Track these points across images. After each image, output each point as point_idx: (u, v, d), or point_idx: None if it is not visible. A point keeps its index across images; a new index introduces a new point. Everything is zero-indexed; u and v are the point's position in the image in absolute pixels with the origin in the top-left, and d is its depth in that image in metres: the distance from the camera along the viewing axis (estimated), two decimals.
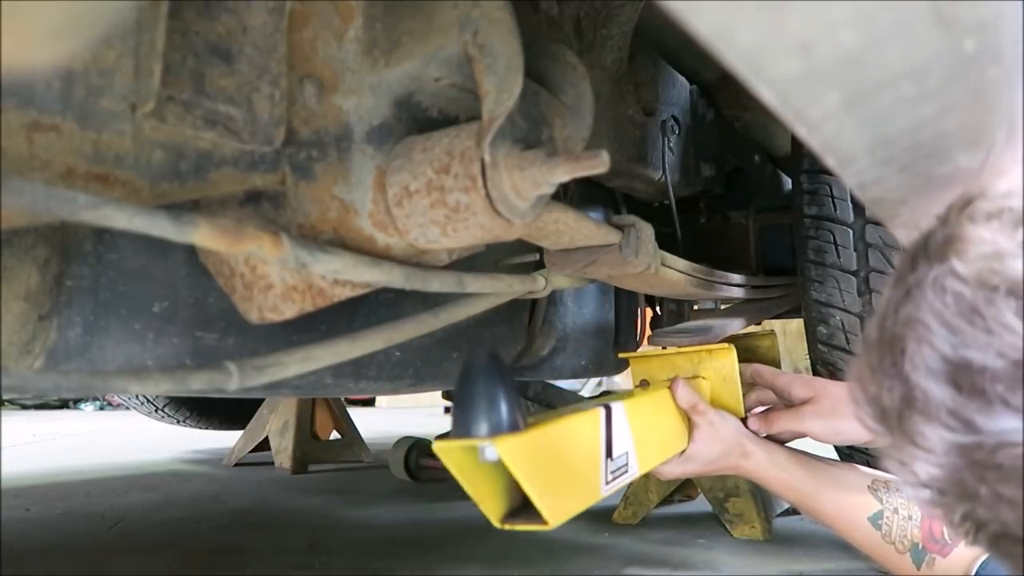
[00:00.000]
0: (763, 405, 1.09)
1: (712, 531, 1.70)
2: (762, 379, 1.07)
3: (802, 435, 1.04)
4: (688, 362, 1.07)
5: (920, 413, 0.37)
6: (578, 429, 0.67)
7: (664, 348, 1.12)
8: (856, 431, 0.94)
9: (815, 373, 1.33)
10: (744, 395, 1.08)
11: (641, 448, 0.79)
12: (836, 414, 0.96)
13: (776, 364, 1.46)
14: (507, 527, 0.59)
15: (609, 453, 0.71)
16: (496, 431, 0.53)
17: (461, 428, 0.54)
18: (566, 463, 0.63)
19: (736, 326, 1.19)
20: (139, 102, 0.49)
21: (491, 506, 0.59)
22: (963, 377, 0.36)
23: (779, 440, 1.05)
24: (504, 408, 0.54)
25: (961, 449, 0.36)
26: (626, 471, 0.75)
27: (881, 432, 0.41)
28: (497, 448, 0.52)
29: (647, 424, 0.83)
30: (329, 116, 0.58)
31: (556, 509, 0.58)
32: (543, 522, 0.57)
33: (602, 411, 0.72)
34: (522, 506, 0.58)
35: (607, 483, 0.70)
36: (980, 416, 0.35)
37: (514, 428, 0.54)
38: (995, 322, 0.35)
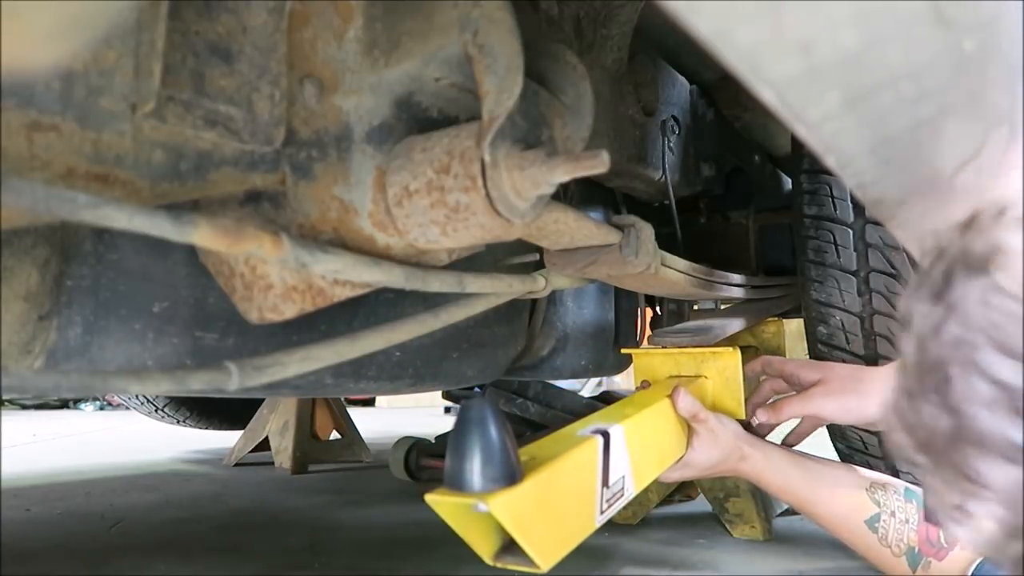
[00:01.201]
0: (777, 394, 1.10)
1: (712, 531, 1.70)
2: (772, 369, 1.08)
3: (816, 419, 1.04)
4: (692, 360, 1.07)
5: (975, 446, 0.34)
6: (574, 467, 0.66)
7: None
8: (865, 409, 0.94)
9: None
10: (756, 388, 1.07)
11: (638, 468, 0.78)
12: (845, 392, 0.96)
13: (781, 350, 1.46)
14: (499, 565, 0.59)
15: (606, 482, 0.70)
16: (489, 486, 0.53)
17: (455, 481, 0.53)
18: (561, 506, 0.62)
19: (736, 326, 1.19)
20: (139, 102, 0.49)
21: (483, 545, 0.58)
22: None
23: (798, 429, 1.05)
24: (498, 461, 0.53)
25: None
26: (622, 495, 0.74)
27: (924, 463, 0.37)
28: (490, 506, 0.52)
29: (645, 441, 0.82)
30: (329, 116, 0.58)
31: (549, 554, 0.58)
32: (535, 566, 0.57)
33: (600, 440, 0.71)
34: (514, 541, 0.57)
35: (602, 512, 0.69)
36: None
37: (509, 479, 0.54)
38: None
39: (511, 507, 0.54)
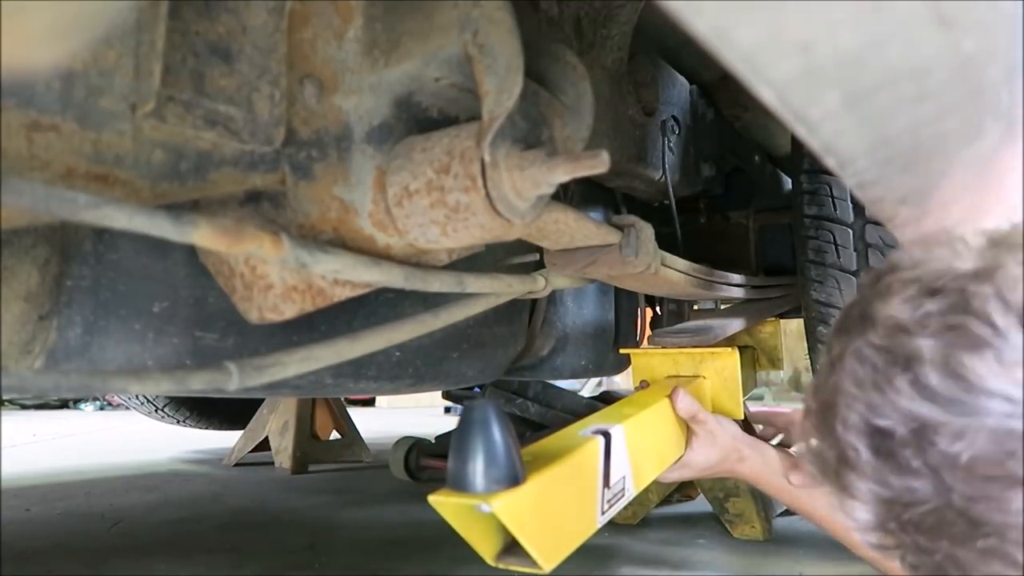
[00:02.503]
0: None
1: (712, 531, 1.70)
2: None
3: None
4: (690, 360, 1.06)
5: (852, 469, 0.43)
6: (576, 468, 0.66)
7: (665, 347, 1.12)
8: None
9: (815, 372, 1.33)
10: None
11: (638, 469, 0.78)
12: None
13: (777, 350, 1.46)
14: (501, 566, 0.59)
15: (607, 482, 0.70)
16: (492, 487, 0.53)
17: (458, 482, 0.53)
18: (563, 506, 0.62)
19: (736, 326, 1.19)
20: (139, 102, 0.49)
21: (485, 546, 0.58)
22: (878, 440, 0.41)
23: None
24: (502, 462, 0.53)
25: (884, 502, 0.41)
26: (623, 495, 0.74)
27: (825, 484, 0.47)
28: (493, 507, 0.52)
29: (646, 442, 0.82)
30: (329, 116, 0.58)
31: (552, 554, 0.58)
32: (538, 567, 0.57)
33: (601, 441, 0.71)
34: (516, 542, 0.57)
35: (603, 513, 0.69)
36: (893, 476, 0.41)
37: (512, 481, 0.54)
38: (896, 392, 0.40)
39: (514, 508, 0.54)
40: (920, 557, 0.41)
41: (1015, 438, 0.36)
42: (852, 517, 0.44)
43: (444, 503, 0.54)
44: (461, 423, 0.55)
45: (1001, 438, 0.37)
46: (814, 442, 0.46)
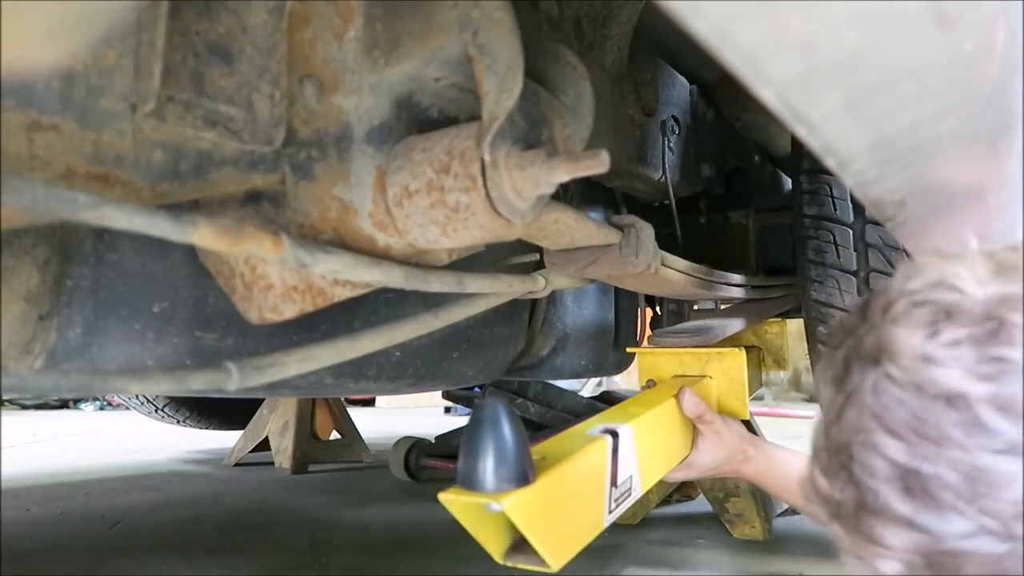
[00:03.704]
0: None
1: (712, 531, 1.70)
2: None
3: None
4: (697, 360, 1.06)
5: (875, 515, 0.39)
6: (585, 467, 0.66)
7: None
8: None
9: (815, 372, 1.33)
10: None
11: (645, 468, 0.78)
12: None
13: (783, 350, 1.46)
14: (509, 564, 0.59)
15: (614, 482, 0.70)
16: (503, 486, 0.53)
17: (468, 480, 0.54)
18: (571, 505, 0.63)
19: (736, 326, 1.19)
20: (139, 102, 0.49)
21: (494, 544, 0.59)
22: (914, 482, 0.37)
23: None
24: (512, 461, 0.54)
25: (921, 549, 0.38)
26: (629, 495, 0.74)
27: (836, 529, 0.43)
28: (503, 506, 0.52)
29: (653, 441, 0.82)
30: (329, 116, 0.58)
31: (560, 553, 0.59)
32: (546, 565, 0.57)
33: (609, 441, 0.71)
34: (524, 541, 0.58)
35: (610, 512, 0.69)
36: (935, 520, 0.37)
37: (522, 480, 0.54)
38: (941, 435, 0.36)
39: (524, 507, 0.54)
40: None
41: None
42: (870, 565, 0.40)
43: (454, 501, 0.54)
44: (472, 422, 0.55)
45: None
46: (823, 486, 0.42)
